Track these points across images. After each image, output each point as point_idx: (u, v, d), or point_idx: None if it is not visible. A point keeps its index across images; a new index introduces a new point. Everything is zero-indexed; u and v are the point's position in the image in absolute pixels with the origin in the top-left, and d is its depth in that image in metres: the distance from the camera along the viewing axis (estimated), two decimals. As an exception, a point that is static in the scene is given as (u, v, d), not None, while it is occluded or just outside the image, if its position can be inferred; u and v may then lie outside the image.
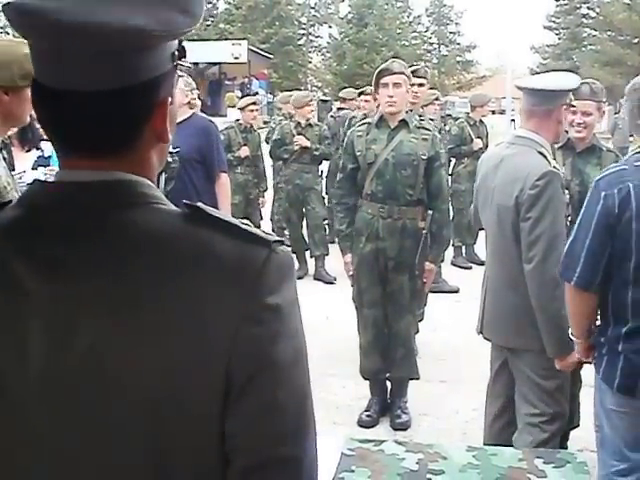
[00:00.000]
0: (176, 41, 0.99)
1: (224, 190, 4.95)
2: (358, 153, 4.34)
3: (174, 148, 3.62)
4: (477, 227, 3.65)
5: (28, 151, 4.83)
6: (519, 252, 3.09)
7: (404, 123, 4.32)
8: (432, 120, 6.79)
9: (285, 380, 0.93)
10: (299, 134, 7.97)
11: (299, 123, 8.08)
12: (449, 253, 8.08)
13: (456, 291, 7.45)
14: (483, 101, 8.58)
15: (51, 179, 0.99)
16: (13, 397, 0.93)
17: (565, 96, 3.18)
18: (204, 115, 5.16)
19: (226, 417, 0.92)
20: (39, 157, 4.92)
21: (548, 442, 3.18)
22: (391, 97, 4.24)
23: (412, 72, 8.34)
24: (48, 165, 4.90)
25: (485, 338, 3.47)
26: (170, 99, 0.99)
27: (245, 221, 0.99)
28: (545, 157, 3.11)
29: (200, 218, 0.96)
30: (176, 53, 0.99)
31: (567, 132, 3.64)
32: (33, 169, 4.79)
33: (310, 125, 8.12)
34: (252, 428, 0.92)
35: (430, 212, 4.31)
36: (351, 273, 4.53)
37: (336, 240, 5.99)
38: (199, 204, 0.98)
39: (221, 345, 0.90)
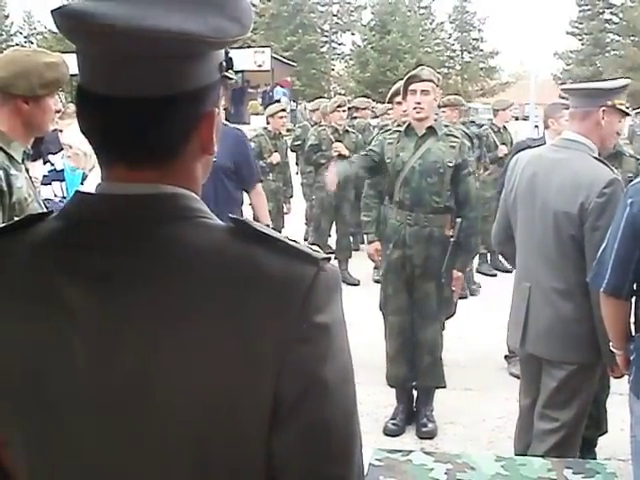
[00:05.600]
0: (223, 52, 0.98)
1: (261, 200, 4.98)
2: (388, 160, 4.34)
3: None
4: (502, 233, 3.51)
5: (34, 160, 4.76)
6: (579, 260, 3.00)
7: (432, 131, 4.31)
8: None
9: (333, 399, 0.92)
10: (337, 140, 7.88)
11: (336, 129, 7.98)
12: (474, 260, 8.03)
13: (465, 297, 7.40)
14: (505, 105, 8.52)
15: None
16: (60, 412, 0.93)
17: (603, 96, 3.09)
18: (229, 124, 5.17)
19: (273, 436, 0.91)
20: (50, 171, 4.73)
21: (561, 447, 3.14)
22: (419, 104, 4.23)
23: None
24: (63, 180, 4.78)
25: (527, 353, 3.32)
26: (217, 110, 0.98)
27: (291, 236, 0.97)
28: (605, 163, 3.05)
29: (247, 233, 0.94)
30: (224, 64, 0.98)
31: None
32: (46, 184, 4.62)
33: (347, 132, 8.05)
34: (299, 447, 0.91)
35: (458, 220, 4.29)
36: (378, 264, 4.52)
37: (360, 247, 5.99)
38: (245, 218, 0.96)
39: (269, 364, 0.89)
